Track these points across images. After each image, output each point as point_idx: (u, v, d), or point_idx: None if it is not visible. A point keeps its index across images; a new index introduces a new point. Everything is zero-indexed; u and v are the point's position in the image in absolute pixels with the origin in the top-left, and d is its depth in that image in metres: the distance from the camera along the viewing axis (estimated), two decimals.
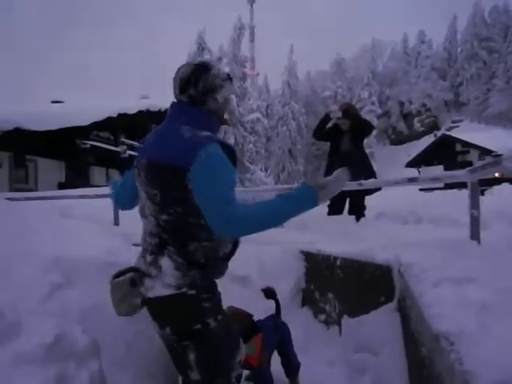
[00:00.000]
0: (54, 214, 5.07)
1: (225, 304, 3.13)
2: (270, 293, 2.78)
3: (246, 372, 2.44)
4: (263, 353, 2.38)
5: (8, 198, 5.95)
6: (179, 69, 1.76)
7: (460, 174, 2.78)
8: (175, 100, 1.76)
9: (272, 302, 2.83)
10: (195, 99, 1.71)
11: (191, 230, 1.62)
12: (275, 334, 2.56)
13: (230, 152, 1.65)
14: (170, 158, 1.57)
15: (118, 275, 1.71)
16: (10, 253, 2.46)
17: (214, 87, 1.72)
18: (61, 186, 17.11)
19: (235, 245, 1.76)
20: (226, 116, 1.84)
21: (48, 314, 1.69)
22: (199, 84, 1.69)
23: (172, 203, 1.60)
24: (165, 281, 1.59)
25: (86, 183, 18.03)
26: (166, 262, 1.61)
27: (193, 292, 1.60)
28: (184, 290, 1.59)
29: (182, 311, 1.62)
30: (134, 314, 1.71)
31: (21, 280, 2.06)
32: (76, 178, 18.14)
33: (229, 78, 1.79)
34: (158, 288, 1.61)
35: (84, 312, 2.00)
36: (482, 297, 1.39)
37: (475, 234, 2.57)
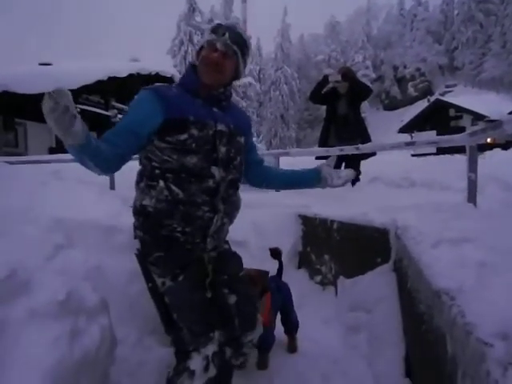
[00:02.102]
0: (48, 177, 5.03)
1: None
2: (276, 253, 2.84)
3: None
4: (271, 312, 2.47)
5: (6, 162, 5.90)
6: None
7: (459, 138, 2.80)
8: None
9: (267, 265, 2.89)
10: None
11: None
12: (278, 294, 2.63)
13: (164, 98, 1.63)
14: None
15: None
16: (13, 213, 2.47)
17: (201, 41, 1.78)
18: (51, 151, 16.88)
19: (158, 201, 1.63)
20: (204, 71, 1.71)
21: (56, 273, 1.71)
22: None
23: None
24: None
25: None
26: None
27: (137, 253, 1.70)
28: (135, 251, 1.71)
29: (140, 268, 1.73)
30: None
31: (26, 240, 2.07)
32: None
33: (211, 27, 1.77)
34: None
35: (88, 272, 2.04)
36: (480, 256, 1.43)
37: (472, 197, 2.62)
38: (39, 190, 3.41)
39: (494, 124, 2.08)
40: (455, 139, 2.87)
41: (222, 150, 1.71)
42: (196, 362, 1.61)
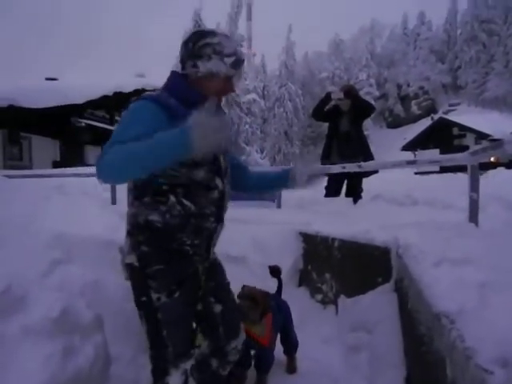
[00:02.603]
0: (51, 191, 5.05)
1: None
2: (275, 271, 2.81)
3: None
4: (272, 333, 2.43)
5: (5, 175, 5.91)
6: None
7: (460, 157, 2.79)
8: None
9: (267, 282, 2.86)
10: (181, 61, 1.69)
11: (127, 195, 1.68)
12: (279, 313, 2.60)
13: (167, 109, 1.53)
14: None
15: None
16: (13, 227, 2.47)
17: (199, 53, 1.62)
18: (55, 165, 17.00)
19: (169, 215, 1.60)
20: (212, 93, 1.68)
21: (52, 288, 1.70)
22: (188, 45, 1.65)
23: None
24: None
25: (81, 162, 17.92)
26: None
27: (136, 264, 1.61)
28: (128, 260, 1.63)
29: (132, 281, 1.67)
30: None
31: (24, 254, 2.06)
32: (71, 157, 18.00)
33: (225, 55, 1.64)
34: None
35: (85, 287, 2.02)
36: (481, 277, 1.41)
37: (473, 217, 2.60)
38: (41, 204, 3.42)
39: (495, 144, 2.08)
40: (457, 158, 2.86)
41: (222, 160, 1.73)
42: (175, 379, 1.61)
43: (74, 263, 2.22)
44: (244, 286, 2.40)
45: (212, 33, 1.67)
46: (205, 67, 1.63)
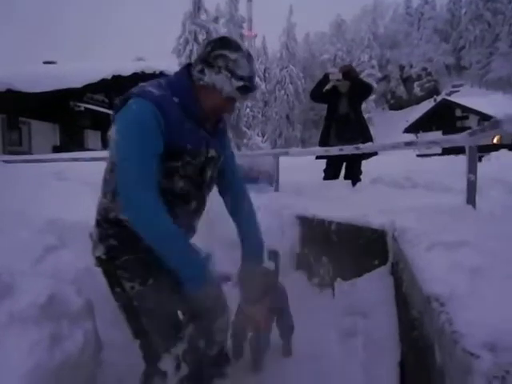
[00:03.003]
0: (49, 177, 5.03)
1: (218, 267, 3.17)
2: (273, 255, 2.79)
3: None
4: (269, 315, 2.41)
5: (4, 161, 5.90)
6: None
7: (458, 138, 2.75)
8: None
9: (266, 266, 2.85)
10: (194, 61, 1.61)
11: (102, 183, 1.65)
12: (276, 297, 2.59)
13: (167, 114, 1.49)
14: None
15: None
16: (7, 215, 2.45)
17: (212, 62, 1.54)
18: (55, 150, 17.00)
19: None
20: (210, 110, 1.63)
21: (42, 275, 1.70)
22: (207, 48, 1.56)
23: None
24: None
25: (81, 147, 17.89)
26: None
27: (103, 257, 1.61)
28: (97, 253, 1.62)
29: (104, 274, 1.66)
30: None
31: (16, 241, 2.06)
32: (71, 142, 17.97)
33: (236, 76, 1.54)
34: None
35: (77, 273, 2.01)
36: (474, 260, 1.39)
37: (471, 199, 2.57)
38: (37, 191, 3.40)
39: (493, 123, 2.03)
40: (455, 139, 2.81)
41: (209, 174, 1.71)
42: (166, 364, 1.61)
43: (68, 249, 2.21)
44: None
45: (236, 47, 1.57)
46: (210, 78, 1.56)
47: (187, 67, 1.64)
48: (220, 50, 1.54)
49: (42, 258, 1.96)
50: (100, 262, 1.64)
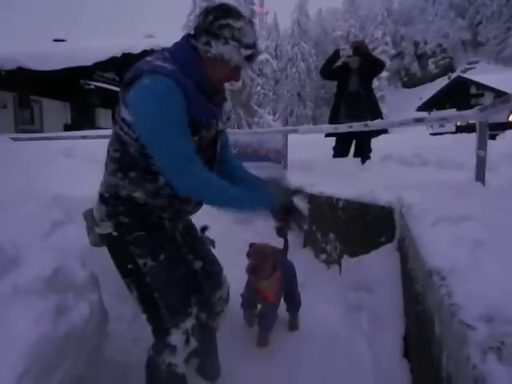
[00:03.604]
0: (57, 154, 5.07)
1: (229, 245, 3.20)
2: (282, 231, 2.80)
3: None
4: (279, 291, 2.46)
5: (12, 138, 5.94)
6: None
7: (469, 114, 2.69)
8: None
9: (275, 243, 2.86)
10: (196, 30, 1.55)
11: (107, 159, 1.60)
12: (285, 272, 2.62)
13: (183, 88, 1.45)
14: (126, 77, 1.49)
15: (91, 208, 1.74)
16: (13, 190, 2.48)
17: (217, 32, 1.49)
18: (66, 128, 17.04)
19: (154, 195, 1.59)
20: (217, 81, 1.60)
21: (48, 249, 1.71)
22: (208, 17, 1.50)
23: (113, 127, 1.59)
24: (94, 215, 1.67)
25: (92, 125, 17.93)
26: (97, 197, 1.67)
27: (115, 233, 1.59)
28: (104, 230, 1.61)
29: (113, 251, 1.64)
30: (101, 246, 1.74)
31: (23, 216, 2.08)
32: (82, 120, 18.01)
33: (244, 45, 1.52)
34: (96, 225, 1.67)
35: (84, 248, 2.03)
36: (477, 234, 1.37)
37: (480, 176, 2.53)
38: (44, 167, 3.43)
39: (504, 98, 1.98)
40: (465, 115, 2.75)
41: (218, 147, 1.71)
42: (176, 337, 1.62)
43: (73, 224, 2.23)
44: (252, 243, 2.41)
45: (238, 15, 1.53)
46: (217, 50, 1.51)
47: (187, 38, 1.58)
48: (224, 19, 1.49)
49: (49, 233, 1.98)
50: (109, 239, 1.62)
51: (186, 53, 1.54)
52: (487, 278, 1.08)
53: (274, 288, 2.42)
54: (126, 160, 1.53)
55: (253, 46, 1.55)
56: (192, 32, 1.58)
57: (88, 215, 1.76)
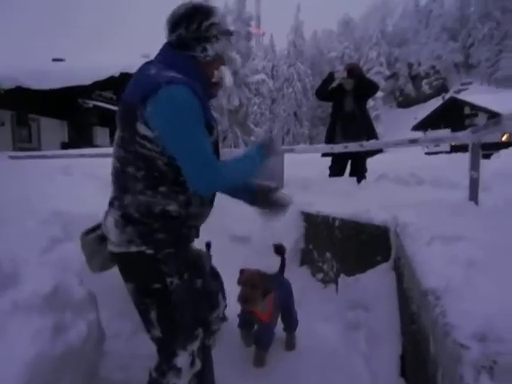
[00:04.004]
0: (56, 172, 5.09)
1: (226, 262, 3.21)
2: (280, 249, 2.83)
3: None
4: (274, 311, 2.47)
5: (10, 157, 5.96)
6: (176, 8, 1.60)
7: (462, 135, 2.75)
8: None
9: (271, 261, 2.88)
10: (183, 41, 1.57)
11: (128, 180, 1.54)
12: (282, 291, 2.63)
13: (197, 95, 1.48)
14: (130, 96, 1.49)
15: (88, 232, 1.69)
16: (11, 207, 2.49)
17: (207, 35, 1.56)
18: (64, 146, 17.08)
19: (186, 205, 1.61)
20: (215, 79, 1.65)
21: (47, 266, 1.72)
22: (192, 25, 1.54)
23: (122, 146, 1.53)
24: (109, 238, 1.56)
25: (90, 143, 17.97)
26: (109, 220, 1.57)
27: (149, 252, 1.54)
28: (137, 249, 1.54)
29: (139, 270, 1.57)
30: (108, 270, 1.70)
31: (21, 232, 2.09)
32: (79, 138, 18.06)
33: (229, 33, 1.63)
34: (111, 245, 1.57)
35: (82, 265, 2.04)
36: (470, 254, 1.40)
37: (473, 195, 2.57)
38: (44, 185, 3.44)
39: (495, 120, 2.03)
40: (458, 136, 2.81)
41: (219, 149, 1.74)
42: (183, 359, 1.60)
43: (72, 241, 2.23)
44: (242, 270, 2.43)
45: (211, 9, 1.59)
46: (213, 50, 1.59)
47: (172, 48, 1.60)
48: (206, 20, 1.56)
49: (48, 249, 1.99)
50: (140, 257, 1.55)
51: (185, 61, 1.58)
52: (480, 297, 1.10)
53: (268, 309, 2.42)
54: (154, 176, 1.53)
55: (231, 30, 1.66)
56: (174, 42, 1.59)
57: (89, 241, 1.68)
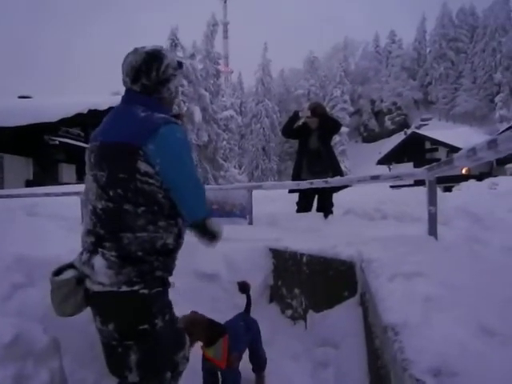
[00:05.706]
0: (20, 212, 4.96)
1: (194, 302, 3.17)
2: (244, 287, 2.81)
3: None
4: (231, 354, 2.38)
5: None
6: (128, 55, 1.71)
7: (418, 172, 2.89)
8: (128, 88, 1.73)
9: (240, 300, 2.86)
10: (148, 88, 1.69)
11: (125, 218, 1.54)
12: (247, 332, 2.59)
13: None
14: (123, 136, 1.55)
15: (57, 272, 1.63)
16: None
17: (167, 77, 1.72)
18: (28, 184, 16.67)
19: (178, 237, 1.70)
20: (175, 108, 1.86)
21: (7, 314, 1.67)
22: (152, 73, 1.67)
23: (115, 185, 1.55)
24: (97, 279, 1.53)
25: (55, 180, 17.63)
26: (98, 261, 1.53)
27: (144, 291, 1.54)
28: (135, 287, 1.52)
29: (127, 310, 1.54)
30: (80, 313, 1.66)
31: None
32: (44, 176, 17.70)
33: (180, 66, 1.80)
34: (94, 285, 1.54)
35: (46, 311, 1.99)
36: (428, 290, 1.46)
37: (432, 231, 2.68)
38: (6, 227, 3.35)
39: (447, 160, 2.17)
40: (415, 173, 2.95)
41: None
42: None
43: (35, 286, 2.18)
44: (191, 311, 2.34)
45: (162, 52, 1.74)
46: (174, 86, 1.76)
47: (156, 99, 1.72)
48: (161, 64, 1.69)
49: (8, 296, 1.94)
50: (134, 297, 1.53)
51: (157, 103, 1.72)
52: (435, 333, 1.15)
53: (223, 353, 2.33)
54: (154, 210, 1.59)
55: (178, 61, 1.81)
56: (140, 90, 1.70)
57: (64, 283, 1.59)
